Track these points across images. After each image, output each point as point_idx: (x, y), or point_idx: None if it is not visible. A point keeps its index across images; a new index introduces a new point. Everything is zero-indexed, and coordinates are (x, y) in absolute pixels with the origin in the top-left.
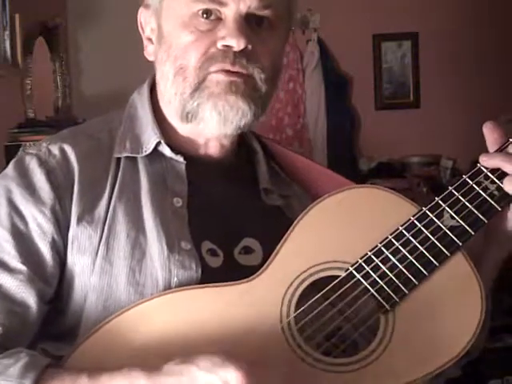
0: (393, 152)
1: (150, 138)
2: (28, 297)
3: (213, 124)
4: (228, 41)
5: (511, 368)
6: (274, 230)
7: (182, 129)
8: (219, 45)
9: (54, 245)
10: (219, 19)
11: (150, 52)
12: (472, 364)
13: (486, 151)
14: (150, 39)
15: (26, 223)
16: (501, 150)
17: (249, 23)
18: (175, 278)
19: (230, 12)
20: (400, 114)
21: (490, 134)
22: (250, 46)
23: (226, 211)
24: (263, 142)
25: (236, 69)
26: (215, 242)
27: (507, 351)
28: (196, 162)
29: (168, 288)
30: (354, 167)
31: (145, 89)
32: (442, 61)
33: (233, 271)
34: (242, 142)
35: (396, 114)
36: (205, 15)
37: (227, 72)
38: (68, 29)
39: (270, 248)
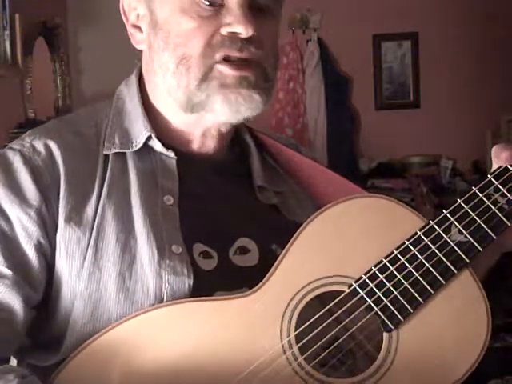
0: (393, 152)
1: (141, 131)
2: (14, 302)
3: (223, 114)
4: (235, 27)
5: (511, 368)
6: (269, 228)
7: (181, 119)
8: (224, 31)
9: (40, 248)
10: (221, 5)
11: (138, 40)
12: None
13: (485, 152)
14: (136, 27)
15: (11, 225)
16: (495, 174)
17: (251, 9)
18: (166, 284)
19: None
20: (400, 114)
21: (497, 158)
22: (255, 33)
23: (219, 210)
24: (256, 135)
25: (244, 55)
26: (208, 244)
27: (507, 351)
28: (187, 157)
29: (159, 294)
30: (354, 167)
31: (133, 80)
32: (442, 61)
33: (228, 273)
34: (235, 136)
35: (396, 114)
36: (210, 6)
37: (235, 65)
38: (68, 29)
39: (266, 248)
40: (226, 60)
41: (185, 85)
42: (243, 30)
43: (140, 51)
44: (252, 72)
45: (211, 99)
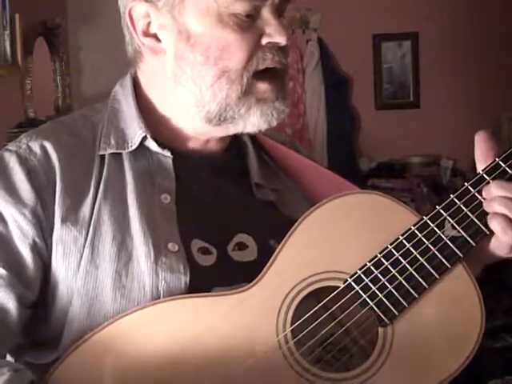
0: (393, 152)
1: (136, 132)
2: (7, 301)
3: (254, 126)
4: (276, 38)
5: (511, 368)
6: (266, 224)
7: (194, 128)
8: (264, 42)
9: (35, 248)
10: (255, 16)
11: (157, 49)
12: (472, 364)
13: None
14: (149, 35)
15: (5, 225)
16: (487, 170)
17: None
18: (163, 282)
19: (268, 7)
20: (400, 114)
21: (479, 146)
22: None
23: (217, 207)
24: (253, 134)
25: (279, 65)
26: (207, 240)
27: (507, 351)
28: (184, 156)
29: (155, 292)
30: (354, 167)
31: (127, 81)
32: (442, 61)
33: (227, 268)
34: (233, 135)
35: (396, 114)
36: (247, 17)
37: (270, 78)
38: (68, 29)
39: (263, 243)
40: (263, 71)
41: (223, 97)
42: (283, 40)
43: (137, 56)
44: (281, 81)
45: (249, 112)
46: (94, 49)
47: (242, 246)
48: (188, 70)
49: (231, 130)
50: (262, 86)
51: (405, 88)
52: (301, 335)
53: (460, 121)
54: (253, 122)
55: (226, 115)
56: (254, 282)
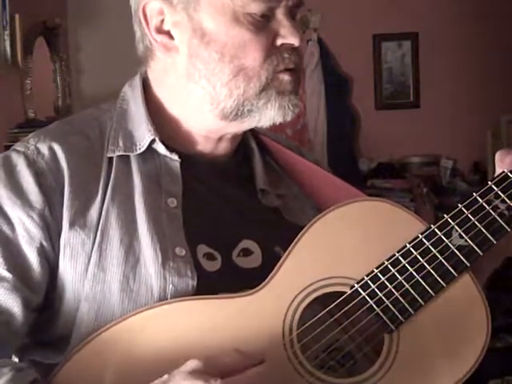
0: (393, 152)
1: (144, 135)
2: (13, 305)
3: (271, 119)
4: (290, 39)
5: (511, 368)
6: (272, 231)
7: (205, 126)
8: (279, 43)
9: (42, 251)
10: (270, 16)
11: (169, 46)
12: None
13: (485, 152)
14: (162, 32)
15: (12, 228)
16: (495, 181)
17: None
18: (170, 286)
19: (282, 8)
20: (400, 114)
21: (503, 163)
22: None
23: (222, 212)
24: (259, 137)
25: (294, 65)
26: (212, 246)
27: (507, 351)
28: (191, 160)
29: (163, 295)
30: (354, 167)
31: (137, 82)
32: (442, 61)
33: (232, 274)
34: (241, 138)
35: (396, 114)
36: (262, 18)
37: (288, 70)
38: (68, 29)
39: (268, 250)
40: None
41: (239, 94)
42: (297, 42)
43: (148, 53)
44: (297, 76)
45: (267, 106)
46: (94, 49)
47: (246, 252)
48: (202, 68)
49: (246, 125)
50: (285, 77)
51: (405, 88)
52: (306, 339)
53: (460, 121)
54: (269, 114)
55: (243, 109)
56: (261, 285)
